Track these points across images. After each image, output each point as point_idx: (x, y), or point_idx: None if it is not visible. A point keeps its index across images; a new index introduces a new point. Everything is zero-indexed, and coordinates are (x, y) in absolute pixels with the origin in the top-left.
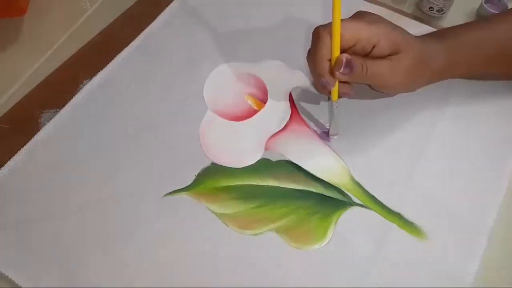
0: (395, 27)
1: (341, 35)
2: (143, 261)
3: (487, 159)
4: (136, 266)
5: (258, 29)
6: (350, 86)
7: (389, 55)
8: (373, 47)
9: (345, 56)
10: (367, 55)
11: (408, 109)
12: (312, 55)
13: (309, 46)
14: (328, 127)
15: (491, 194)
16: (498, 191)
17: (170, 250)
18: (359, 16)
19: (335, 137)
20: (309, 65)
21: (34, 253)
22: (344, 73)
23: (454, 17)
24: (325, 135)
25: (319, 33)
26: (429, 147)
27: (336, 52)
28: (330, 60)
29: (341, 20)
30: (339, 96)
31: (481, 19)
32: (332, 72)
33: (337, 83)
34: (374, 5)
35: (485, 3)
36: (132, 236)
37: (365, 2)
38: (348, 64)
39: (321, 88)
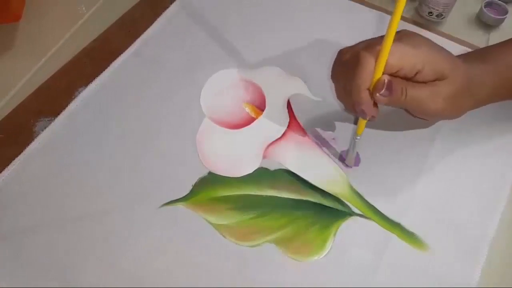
0: (441, 50)
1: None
2: (139, 272)
3: (488, 169)
4: (132, 277)
5: (256, 35)
6: (376, 110)
7: (432, 81)
8: (416, 73)
9: (386, 77)
10: (408, 79)
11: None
12: (351, 81)
13: (308, 55)
14: (344, 156)
15: (492, 204)
16: (499, 201)
17: (166, 261)
18: (404, 38)
19: (350, 167)
20: (338, 85)
21: (29, 264)
22: (384, 95)
23: (453, 22)
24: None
25: (362, 57)
26: (430, 157)
27: (379, 74)
28: (369, 89)
29: None
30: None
31: None
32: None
33: (363, 123)
34: (373, 10)
35: (485, 8)
36: (128, 247)
37: (364, 7)
38: (389, 87)
39: (353, 110)
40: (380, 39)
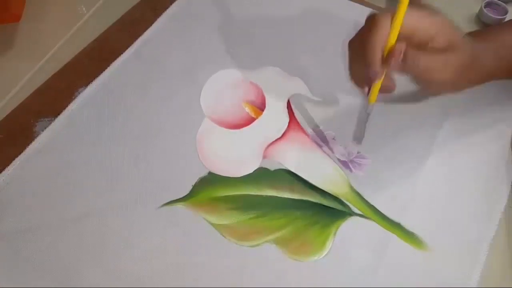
0: (452, 22)
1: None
2: (139, 272)
3: (487, 169)
4: (132, 277)
5: (257, 36)
6: (392, 80)
7: (443, 50)
8: (429, 39)
9: (403, 46)
10: (420, 47)
11: (410, 119)
12: (366, 41)
13: (308, 55)
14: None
15: (492, 204)
16: (499, 201)
17: (166, 261)
18: (419, 6)
19: (356, 144)
20: (352, 52)
21: (29, 264)
22: (397, 62)
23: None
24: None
25: (378, 19)
26: (430, 157)
27: (393, 40)
28: (383, 49)
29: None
30: (380, 92)
31: None
32: (381, 63)
33: (377, 85)
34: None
35: (484, 8)
36: (128, 247)
37: (364, 7)
38: (402, 54)
39: (361, 79)
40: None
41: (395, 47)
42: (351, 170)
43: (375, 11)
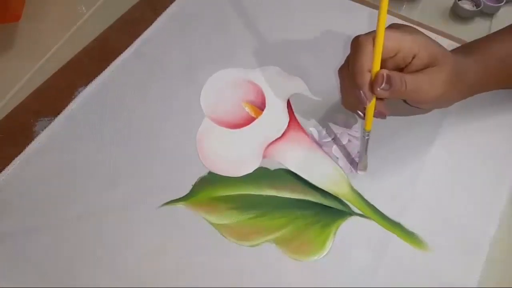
0: (432, 39)
1: (383, 44)
2: (139, 272)
3: (487, 169)
4: (132, 276)
5: (256, 35)
6: (385, 105)
7: (425, 67)
8: (413, 57)
9: (385, 71)
10: (403, 69)
11: (410, 119)
12: (352, 65)
13: (308, 54)
14: (356, 160)
15: (492, 204)
16: (499, 200)
17: (166, 261)
18: (398, 26)
19: (362, 173)
20: (343, 78)
21: (29, 264)
22: (384, 89)
23: (427, 12)
24: (354, 164)
25: (361, 42)
26: (430, 156)
27: (377, 66)
28: (370, 71)
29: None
30: (374, 116)
31: (505, 30)
32: (370, 86)
33: (371, 110)
34: (374, 10)
35: (458, 0)
36: (128, 247)
37: (364, 7)
38: (388, 80)
39: (354, 105)
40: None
41: (378, 73)
42: (351, 170)
43: (359, 34)
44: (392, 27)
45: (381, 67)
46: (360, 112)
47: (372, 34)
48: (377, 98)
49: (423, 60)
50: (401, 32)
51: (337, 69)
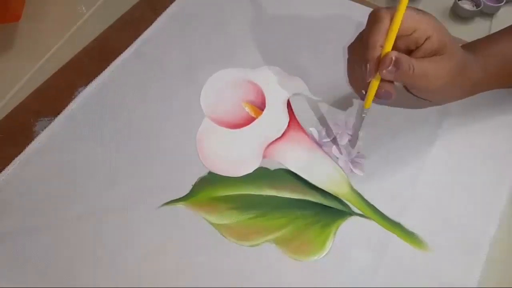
0: (445, 28)
1: (402, 21)
2: (139, 272)
3: (487, 169)
4: (131, 277)
5: (256, 35)
6: (392, 86)
7: (434, 55)
8: (425, 40)
9: (394, 54)
10: (412, 52)
11: (410, 119)
12: (366, 38)
13: (308, 54)
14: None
15: (492, 204)
16: (499, 200)
17: (166, 261)
18: (415, 8)
19: (354, 151)
20: (353, 53)
21: (29, 264)
22: (391, 71)
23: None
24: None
25: (379, 16)
26: (430, 156)
27: (390, 45)
28: (382, 47)
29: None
30: (378, 97)
31: (506, 31)
32: (377, 64)
33: (373, 89)
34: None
35: (458, 0)
36: (128, 247)
37: (364, 7)
38: (396, 63)
39: (359, 84)
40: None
41: (387, 55)
42: (351, 170)
43: (378, 7)
44: (410, 7)
45: (394, 45)
46: (364, 92)
47: (391, 11)
48: (384, 80)
49: (434, 44)
50: (420, 13)
51: (337, 68)
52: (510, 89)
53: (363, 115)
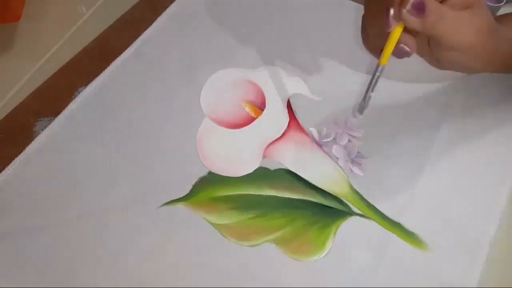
0: None
1: None
2: (139, 272)
3: (488, 169)
4: (131, 277)
5: (256, 35)
6: (414, 41)
7: (465, 8)
8: None
9: None
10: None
11: (410, 119)
12: None
13: (308, 54)
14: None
15: (492, 204)
16: (499, 200)
17: (166, 261)
18: None
19: (359, 116)
20: (369, 10)
21: (29, 264)
22: (415, 16)
23: None
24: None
25: None
26: (430, 157)
27: None
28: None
29: None
30: (397, 52)
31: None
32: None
33: (393, 40)
34: None
35: None
36: (128, 247)
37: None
38: (421, 6)
39: (376, 41)
40: None
41: None
42: (351, 170)
43: None
44: None
45: None
46: (379, 53)
47: None
48: (407, 31)
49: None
50: None
51: (337, 67)
52: (510, 89)
53: (378, 73)
